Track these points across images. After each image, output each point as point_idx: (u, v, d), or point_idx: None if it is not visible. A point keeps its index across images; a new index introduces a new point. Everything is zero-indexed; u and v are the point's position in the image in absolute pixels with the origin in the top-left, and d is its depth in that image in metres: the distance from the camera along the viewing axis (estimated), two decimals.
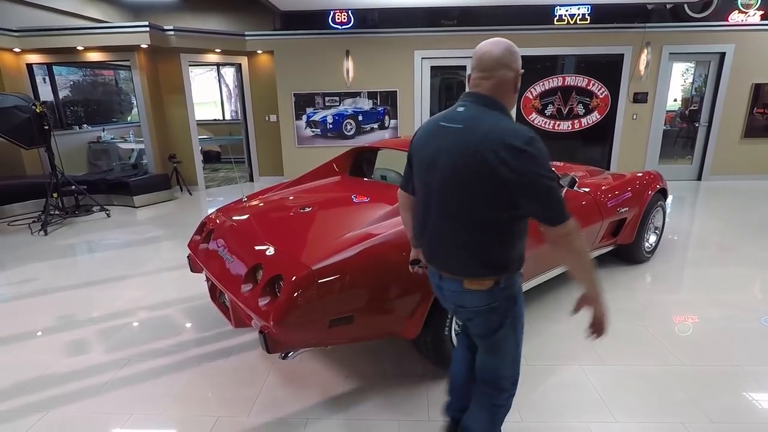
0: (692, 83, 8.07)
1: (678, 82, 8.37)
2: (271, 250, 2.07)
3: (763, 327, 2.84)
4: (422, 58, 6.89)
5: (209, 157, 10.38)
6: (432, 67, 7.00)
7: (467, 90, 1.40)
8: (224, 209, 2.76)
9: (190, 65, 6.95)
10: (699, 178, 7.25)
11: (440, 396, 2.22)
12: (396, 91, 7.04)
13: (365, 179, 3.21)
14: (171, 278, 3.75)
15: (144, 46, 6.18)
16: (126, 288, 3.59)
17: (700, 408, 2.11)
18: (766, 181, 7.09)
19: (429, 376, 2.38)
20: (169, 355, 2.64)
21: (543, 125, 7.10)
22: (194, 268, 2.70)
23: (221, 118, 10.81)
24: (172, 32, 6.36)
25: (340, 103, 7.14)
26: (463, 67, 6.97)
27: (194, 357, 2.62)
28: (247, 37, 6.96)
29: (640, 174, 3.88)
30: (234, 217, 2.56)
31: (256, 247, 2.15)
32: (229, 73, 10.70)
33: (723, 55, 6.74)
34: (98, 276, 3.86)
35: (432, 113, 7.23)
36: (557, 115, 7.06)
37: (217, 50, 6.90)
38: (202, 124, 10.41)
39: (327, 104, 7.16)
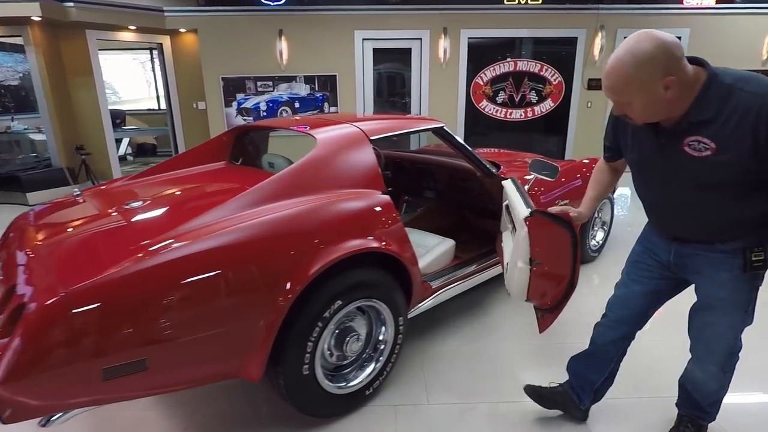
0: None
1: None
2: (37, 266, 1.43)
3: None
4: (363, 39, 6.28)
5: (143, 151, 9.48)
6: (375, 50, 6.41)
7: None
8: (40, 208, 2.08)
9: (102, 48, 6.14)
10: None
11: None
12: (335, 76, 6.41)
13: (249, 168, 2.58)
14: None
15: (36, 18, 5.33)
16: None
17: None
18: None
19: (304, 424, 1.79)
20: None
21: (494, 113, 6.62)
22: None
23: (157, 107, 9.91)
24: (71, 4, 5.52)
25: (274, 89, 6.46)
26: (408, 50, 6.40)
27: None
28: (166, 13, 6.18)
29: (586, 161, 3.41)
30: (37, 219, 1.90)
31: (26, 261, 1.50)
32: None
33: (678, 39, 6.40)
34: None
35: (376, 98, 6.65)
36: (509, 102, 6.59)
37: (132, 27, 6.10)
38: (135, 115, 9.53)
39: (260, 90, 6.47)
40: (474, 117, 6.65)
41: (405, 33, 6.25)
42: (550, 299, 1.73)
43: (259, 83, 6.44)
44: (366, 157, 1.92)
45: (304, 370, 1.61)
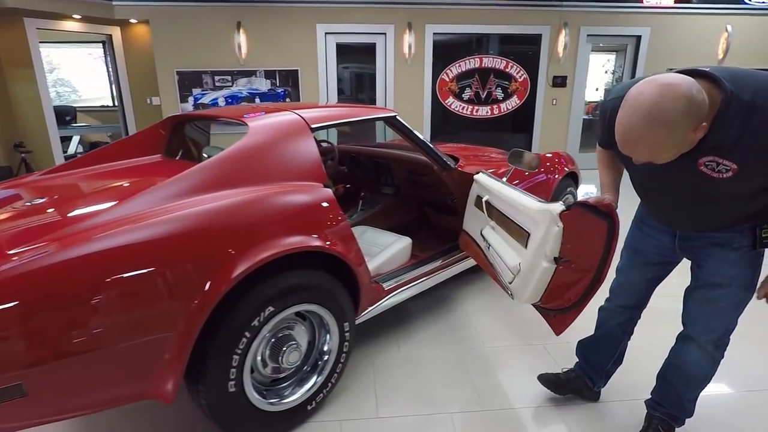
0: (613, 73, 7.92)
1: (599, 71, 8.21)
2: None
3: None
4: (326, 33, 6.08)
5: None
6: (339, 47, 6.21)
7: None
8: None
9: (46, 41, 5.70)
10: None
11: None
12: (297, 71, 6.18)
13: (187, 162, 2.35)
14: None
15: None
16: None
17: None
18: None
19: None
20: None
21: (461, 110, 6.54)
22: None
23: (112, 104, 9.40)
24: None
25: (232, 84, 6.17)
26: (373, 47, 6.23)
27: None
28: (114, 2, 5.81)
29: (549, 155, 3.32)
30: None
31: None
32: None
33: (639, 38, 6.49)
34: None
35: (342, 94, 6.46)
36: (475, 99, 6.52)
37: (76, 16, 5.70)
38: (88, 111, 9.01)
39: (217, 85, 6.17)
40: (441, 114, 6.55)
41: (369, 27, 6.09)
42: (568, 298, 1.60)
43: (216, 78, 6.14)
44: (306, 146, 1.74)
45: (229, 387, 1.42)
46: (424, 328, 2.39)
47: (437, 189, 2.63)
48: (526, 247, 1.67)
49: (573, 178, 3.32)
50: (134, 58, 6.34)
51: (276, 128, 1.70)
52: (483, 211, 2.04)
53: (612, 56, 8.03)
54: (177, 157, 2.42)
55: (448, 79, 6.41)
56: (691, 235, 1.39)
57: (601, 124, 1.38)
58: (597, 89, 8.48)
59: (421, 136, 2.31)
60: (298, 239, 1.54)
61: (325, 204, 1.67)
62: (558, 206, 1.49)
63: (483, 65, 6.40)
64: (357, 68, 6.53)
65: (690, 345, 1.49)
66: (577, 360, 1.84)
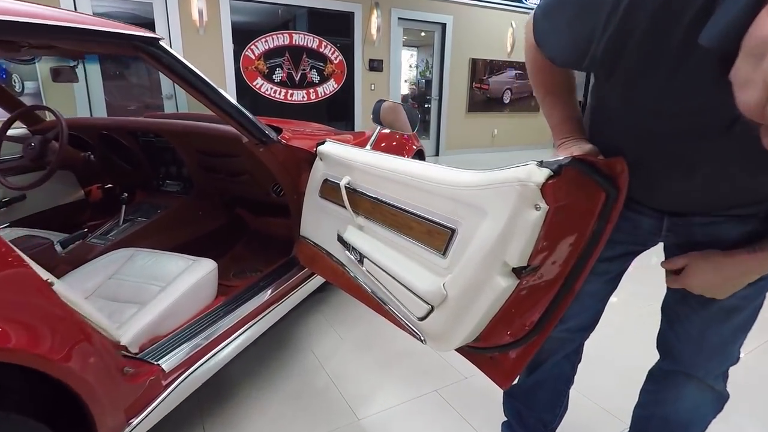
0: (417, 67, 8.08)
1: (405, 66, 8.31)
2: None
3: None
4: None
5: None
6: (96, 13, 4.55)
7: None
8: None
9: None
10: (437, 154, 7.09)
11: None
12: None
13: None
14: None
15: None
16: None
17: None
18: (487, 154, 7.43)
19: None
20: None
21: (273, 94, 5.58)
22: None
23: None
24: None
25: None
26: (148, 9, 4.76)
27: None
28: None
29: (394, 133, 2.69)
30: None
31: None
32: None
33: (444, 26, 6.59)
34: None
35: (108, 79, 4.79)
36: (288, 81, 5.65)
37: None
38: None
39: None
40: (250, 98, 5.46)
41: None
42: (521, 326, 0.88)
43: None
44: None
45: None
46: (256, 410, 1.45)
47: (253, 176, 1.69)
48: (444, 254, 0.89)
49: (420, 157, 2.78)
50: None
51: None
52: (342, 203, 1.19)
53: (415, 51, 8.20)
54: None
55: (254, 57, 5.37)
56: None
57: (575, 20, 0.67)
58: (406, 81, 8.60)
59: (217, 88, 1.35)
60: None
61: None
62: (536, 171, 0.70)
63: (294, 42, 5.56)
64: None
65: (685, 385, 0.97)
66: (506, 419, 1.20)
